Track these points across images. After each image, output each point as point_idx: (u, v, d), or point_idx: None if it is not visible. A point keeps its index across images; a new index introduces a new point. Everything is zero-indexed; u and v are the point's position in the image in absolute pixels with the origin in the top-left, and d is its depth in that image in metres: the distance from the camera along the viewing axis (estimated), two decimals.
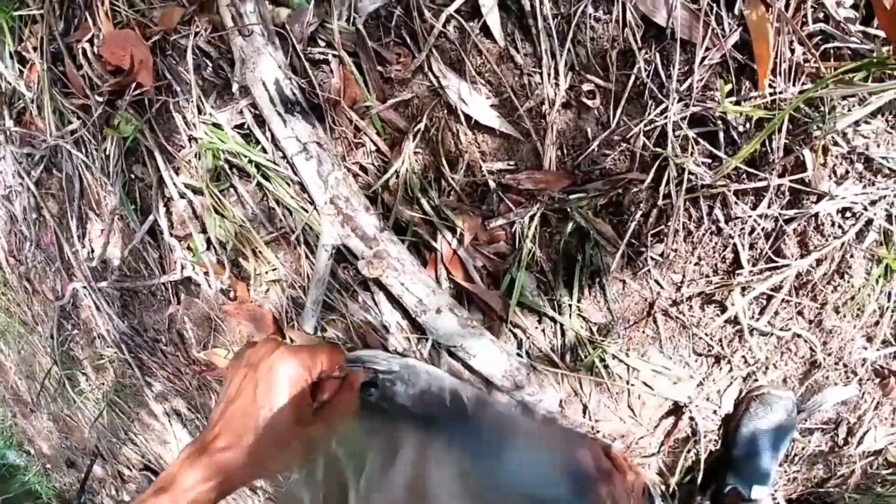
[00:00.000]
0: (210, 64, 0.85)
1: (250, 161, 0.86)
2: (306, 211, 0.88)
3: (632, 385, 0.93)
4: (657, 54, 0.73)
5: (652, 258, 0.84)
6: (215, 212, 0.95)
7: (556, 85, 0.77)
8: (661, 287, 0.87)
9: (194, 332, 1.20)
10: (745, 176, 0.76)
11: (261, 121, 0.83)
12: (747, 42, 0.70)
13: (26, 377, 1.89)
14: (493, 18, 0.74)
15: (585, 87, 0.77)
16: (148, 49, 0.90)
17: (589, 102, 0.78)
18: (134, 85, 0.93)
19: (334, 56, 0.79)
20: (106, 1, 0.94)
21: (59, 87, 1.08)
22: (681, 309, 0.88)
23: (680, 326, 0.91)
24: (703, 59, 0.71)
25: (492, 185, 0.84)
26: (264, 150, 0.85)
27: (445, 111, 0.82)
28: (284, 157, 0.84)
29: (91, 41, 0.99)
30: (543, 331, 0.93)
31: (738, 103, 0.72)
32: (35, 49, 1.09)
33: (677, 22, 0.69)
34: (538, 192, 0.83)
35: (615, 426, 0.98)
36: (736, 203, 0.78)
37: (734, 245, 0.81)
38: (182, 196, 0.98)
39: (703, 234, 0.82)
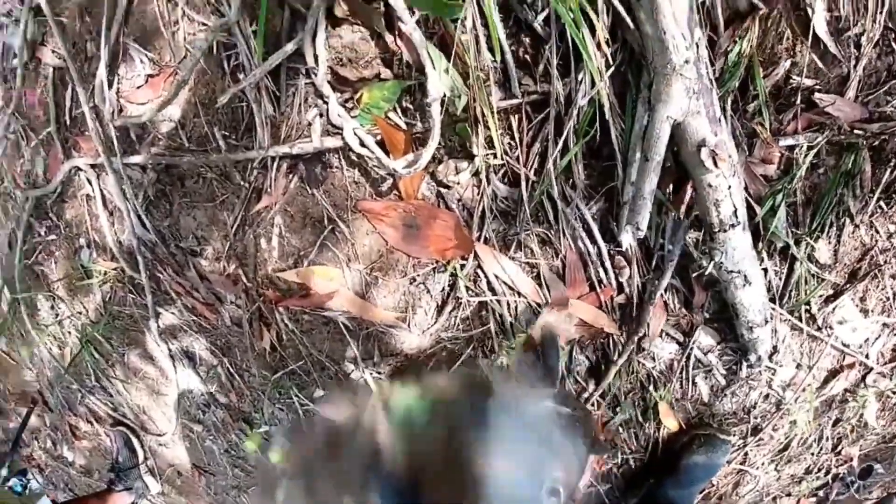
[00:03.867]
0: None
1: None
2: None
3: (826, 335, 0.87)
4: None
5: (880, 207, 0.79)
6: (441, 47, 0.64)
7: (874, 21, 0.69)
8: (879, 234, 0.83)
9: (284, 242, 0.82)
10: None
11: None
12: None
13: None
14: None
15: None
16: None
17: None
18: None
19: None
20: None
21: None
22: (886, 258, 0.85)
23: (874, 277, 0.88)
24: None
25: (798, 99, 0.71)
26: None
27: (794, 13, 0.67)
28: None
29: None
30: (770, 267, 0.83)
31: None
32: None
33: None
34: (832, 118, 0.74)
35: (788, 373, 0.91)
36: None
37: None
38: (381, 8, 0.64)
39: None
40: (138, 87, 0.81)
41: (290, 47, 0.68)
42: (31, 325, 1.12)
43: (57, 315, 1.10)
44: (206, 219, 0.85)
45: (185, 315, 0.94)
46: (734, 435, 0.94)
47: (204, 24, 0.74)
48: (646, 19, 0.62)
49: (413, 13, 0.65)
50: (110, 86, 0.81)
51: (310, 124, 0.72)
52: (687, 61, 0.61)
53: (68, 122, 0.88)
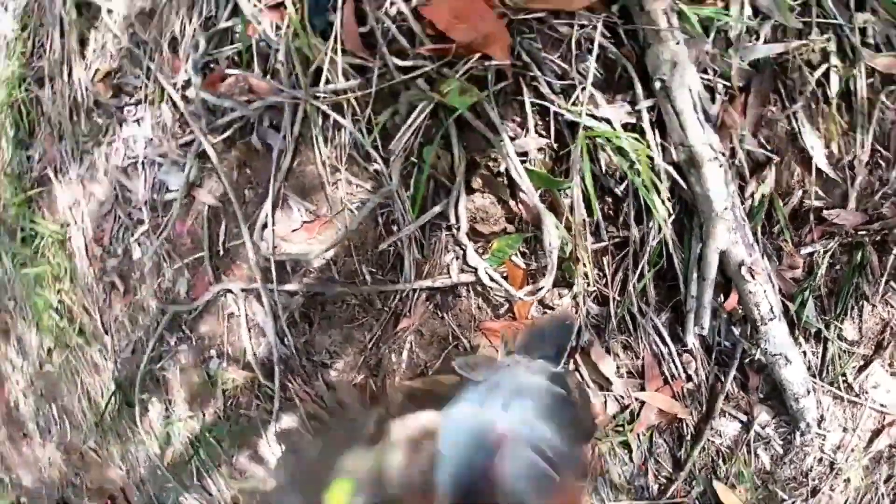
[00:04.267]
0: (597, 56, 0.82)
1: (630, 164, 0.81)
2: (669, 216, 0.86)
3: (864, 399, 1.04)
4: None
5: (891, 287, 1.01)
6: (552, 209, 0.85)
7: (863, 147, 0.94)
8: (893, 308, 1.04)
9: (413, 356, 0.97)
10: None
11: (657, 124, 0.82)
12: None
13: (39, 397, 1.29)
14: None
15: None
16: (502, 24, 0.83)
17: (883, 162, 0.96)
18: (477, 56, 0.82)
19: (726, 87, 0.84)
20: None
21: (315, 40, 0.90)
22: None
23: None
24: None
25: (811, 217, 0.95)
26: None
27: (799, 155, 0.92)
28: (672, 163, 0.83)
29: None
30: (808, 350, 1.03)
31: None
32: None
33: None
34: (839, 226, 0.97)
35: (836, 437, 1.07)
36: None
37: None
38: (506, 182, 0.86)
39: None
40: (294, 230, 0.98)
41: (437, 209, 0.88)
42: (138, 424, 1.21)
43: (168, 417, 1.19)
44: (340, 337, 1.00)
45: (306, 420, 1.06)
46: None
47: (361, 186, 0.93)
48: (695, 182, 0.85)
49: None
50: (267, 226, 0.99)
51: (448, 264, 0.90)
52: (726, 208, 0.84)
53: (220, 252, 1.04)
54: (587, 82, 0.78)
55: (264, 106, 0.91)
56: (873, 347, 1.04)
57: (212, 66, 1.00)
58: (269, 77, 0.92)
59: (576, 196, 0.82)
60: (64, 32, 1.34)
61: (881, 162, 0.96)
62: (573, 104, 0.79)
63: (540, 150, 0.82)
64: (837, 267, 0.99)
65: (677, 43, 0.77)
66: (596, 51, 0.78)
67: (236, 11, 0.97)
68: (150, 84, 1.10)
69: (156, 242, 1.12)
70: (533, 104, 0.80)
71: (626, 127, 0.81)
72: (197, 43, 0.97)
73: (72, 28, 1.32)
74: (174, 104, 1.06)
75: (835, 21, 0.89)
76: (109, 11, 1.24)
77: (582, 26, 0.79)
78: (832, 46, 0.90)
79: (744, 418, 1.04)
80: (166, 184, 1.11)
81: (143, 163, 1.15)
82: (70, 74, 1.33)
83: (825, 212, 0.97)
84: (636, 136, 0.81)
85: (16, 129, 1.53)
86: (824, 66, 0.90)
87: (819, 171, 0.95)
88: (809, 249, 0.98)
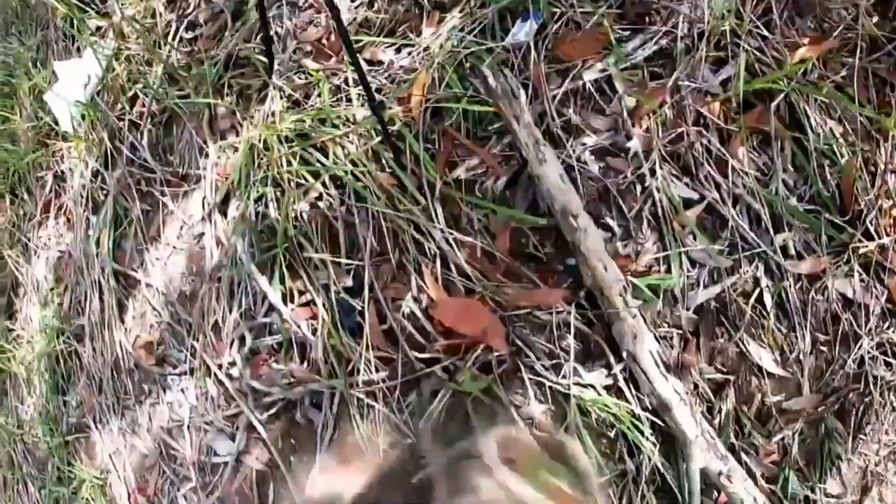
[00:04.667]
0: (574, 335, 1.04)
1: (615, 416, 1.01)
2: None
3: None
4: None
5: (861, 439, 1.19)
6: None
7: (804, 340, 1.17)
8: (867, 455, 1.21)
9: None
10: None
11: (630, 380, 1.02)
12: None
13: None
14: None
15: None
16: (498, 319, 1.05)
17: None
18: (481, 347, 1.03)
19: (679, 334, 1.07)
20: (437, 269, 1.09)
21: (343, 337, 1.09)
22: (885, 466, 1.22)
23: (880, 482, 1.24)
24: None
25: (774, 411, 1.15)
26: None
27: (751, 367, 1.14)
28: (648, 409, 1.03)
29: (416, 300, 1.08)
30: None
31: None
32: (317, 291, 1.12)
33: None
34: (801, 410, 1.16)
35: None
36: None
37: None
38: None
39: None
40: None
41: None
42: None
43: None
44: None
45: None
46: None
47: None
48: (669, 420, 1.04)
49: None
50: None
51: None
52: (697, 435, 1.03)
53: None
54: (570, 359, 0.99)
55: (307, 391, 1.09)
56: (860, 492, 1.20)
57: (253, 350, 1.19)
58: (307, 365, 1.11)
59: (576, 447, 1.01)
60: (103, 297, 1.53)
61: (822, 348, 1.16)
62: (562, 377, 1.00)
63: (542, 413, 1.02)
64: (807, 440, 1.17)
65: (634, 317, 1.00)
66: (573, 332, 1.00)
67: (272, 307, 1.18)
68: (194, 360, 1.27)
69: (205, 501, 1.23)
70: (530, 379, 1.00)
71: (606, 388, 1.01)
72: (243, 335, 1.17)
73: (111, 294, 1.51)
74: (219, 381, 1.23)
75: (758, 249, 1.12)
76: (148, 286, 1.44)
77: (559, 313, 1.02)
78: (760, 271, 1.14)
79: None
80: (214, 448, 1.24)
81: (188, 426, 1.30)
82: (111, 336, 1.50)
83: (784, 404, 1.16)
84: (615, 395, 1.01)
85: (51, 373, 1.66)
86: (757, 291, 1.14)
87: (770, 374, 1.17)
88: (780, 436, 1.15)
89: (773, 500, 1.16)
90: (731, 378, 1.13)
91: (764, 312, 1.14)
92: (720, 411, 1.16)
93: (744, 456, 1.15)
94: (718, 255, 1.13)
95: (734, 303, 1.14)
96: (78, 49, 1.80)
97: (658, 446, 1.07)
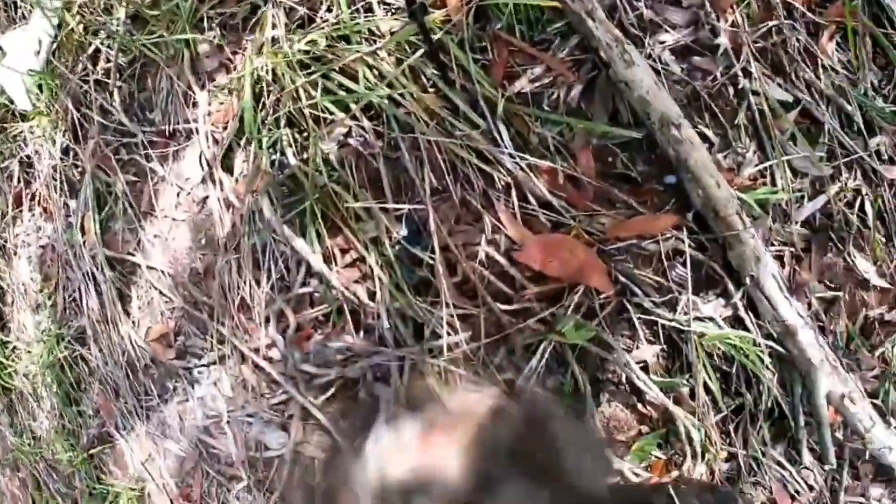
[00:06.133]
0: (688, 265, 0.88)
1: (735, 347, 0.87)
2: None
3: None
4: None
5: None
6: (676, 402, 0.88)
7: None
8: None
9: None
10: None
11: (749, 308, 0.88)
12: None
13: None
14: None
15: None
16: (596, 254, 0.88)
17: None
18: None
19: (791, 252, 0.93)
20: (513, 202, 0.90)
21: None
22: None
23: None
24: None
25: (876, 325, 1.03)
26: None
27: (856, 281, 1.01)
28: (769, 335, 0.90)
29: (491, 243, 0.90)
30: None
31: None
32: (364, 247, 0.93)
33: None
34: None
35: None
36: None
37: None
38: (628, 390, 0.89)
39: None
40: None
41: None
42: None
43: None
44: None
45: None
46: None
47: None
48: (792, 346, 0.92)
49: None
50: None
51: None
52: (822, 360, 0.92)
53: None
54: (688, 293, 0.84)
55: (369, 365, 0.92)
56: None
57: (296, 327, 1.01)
58: (363, 335, 0.94)
59: (699, 394, 0.87)
60: (100, 290, 1.32)
61: None
62: (678, 313, 0.84)
63: (654, 355, 0.87)
64: None
65: (753, 238, 0.85)
66: (688, 262, 0.84)
67: (311, 272, 0.99)
68: (223, 347, 1.09)
69: (261, 499, 1.09)
70: (639, 319, 0.85)
71: (725, 319, 0.87)
72: (280, 310, 0.98)
73: (108, 285, 1.30)
74: (257, 366, 1.05)
75: (855, 155, 1.00)
76: (150, 268, 1.23)
77: (666, 240, 0.85)
78: (859, 178, 1.00)
79: (863, 501, 1.11)
80: (264, 443, 1.08)
81: (227, 422, 1.13)
82: (118, 333, 1.30)
83: (885, 315, 1.07)
84: (737, 325, 0.87)
85: (59, 383, 1.47)
86: (858, 200, 1.00)
87: (875, 286, 1.05)
88: (880, 350, 1.07)
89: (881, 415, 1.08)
90: (840, 294, 1.01)
91: (867, 222, 1.01)
92: (832, 331, 1.04)
93: (849, 374, 1.05)
94: (819, 163, 0.97)
95: (840, 213, 1.00)
96: (23, 16, 1.49)
97: (776, 375, 0.95)
